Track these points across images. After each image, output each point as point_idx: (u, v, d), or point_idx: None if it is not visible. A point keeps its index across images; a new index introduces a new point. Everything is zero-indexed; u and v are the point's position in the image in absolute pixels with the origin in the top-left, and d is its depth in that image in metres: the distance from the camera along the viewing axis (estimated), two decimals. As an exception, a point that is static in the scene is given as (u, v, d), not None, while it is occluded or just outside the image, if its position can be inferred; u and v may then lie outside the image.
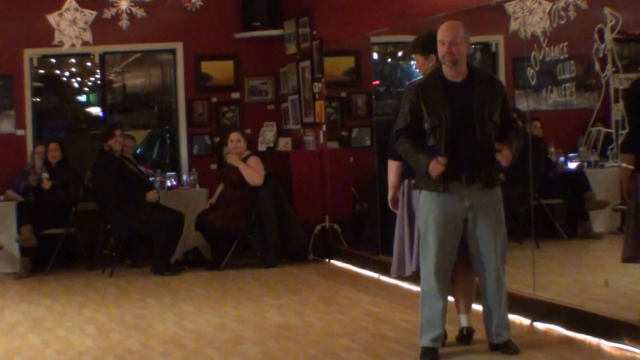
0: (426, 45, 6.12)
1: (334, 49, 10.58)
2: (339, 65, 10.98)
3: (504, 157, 5.73)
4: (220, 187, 10.34)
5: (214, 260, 10.14)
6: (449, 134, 5.70)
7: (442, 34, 5.77)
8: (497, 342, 5.92)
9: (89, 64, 13.64)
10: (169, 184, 11.03)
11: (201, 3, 9.57)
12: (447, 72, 5.80)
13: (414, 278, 6.54)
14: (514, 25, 7.38)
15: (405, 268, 6.30)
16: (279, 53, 11.64)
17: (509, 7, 7.33)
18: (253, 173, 10.07)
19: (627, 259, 6.33)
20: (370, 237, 9.88)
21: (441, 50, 5.75)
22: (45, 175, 10.35)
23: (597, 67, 6.91)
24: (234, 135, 10.33)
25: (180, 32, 11.61)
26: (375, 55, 11.08)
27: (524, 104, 8.06)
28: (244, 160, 10.19)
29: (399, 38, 9.73)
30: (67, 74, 14.80)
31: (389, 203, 6.25)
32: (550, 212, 8.95)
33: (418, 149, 5.75)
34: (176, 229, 10.04)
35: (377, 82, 11.11)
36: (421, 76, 6.15)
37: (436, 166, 5.68)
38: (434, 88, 5.78)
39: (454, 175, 5.74)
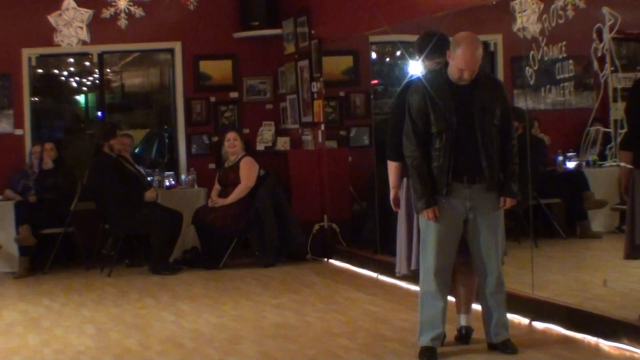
0: (434, 52, 6.09)
1: (333, 48, 10.58)
2: (337, 65, 10.98)
3: (509, 205, 5.82)
4: (216, 188, 10.33)
5: (208, 258, 10.13)
6: (455, 138, 5.69)
7: (464, 63, 5.65)
8: (496, 342, 5.92)
9: (87, 63, 13.65)
10: (167, 183, 11.02)
11: (195, 3, 9.58)
12: (455, 77, 5.76)
13: (413, 277, 6.54)
14: (518, 24, 7.36)
15: (402, 266, 6.27)
16: (278, 52, 11.64)
17: (516, 6, 7.31)
18: (242, 188, 10.05)
19: (628, 255, 6.34)
20: (369, 236, 9.87)
21: (459, 74, 5.70)
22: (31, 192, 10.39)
23: (596, 66, 6.93)
24: (231, 135, 10.33)
25: (179, 32, 11.60)
26: (373, 55, 11.07)
27: (522, 103, 8.06)
28: (238, 161, 10.19)
29: (397, 37, 9.73)
30: (65, 73, 14.80)
31: (391, 203, 6.24)
32: (549, 212, 8.95)
33: (425, 179, 5.74)
34: (175, 228, 10.04)
35: (375, 81, 11.11)
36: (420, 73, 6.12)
37: (429, 215, 5.73)
38: (441, 91, 5.74)
39: (456, 176, 5.74)
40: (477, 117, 5.71)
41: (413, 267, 6.11)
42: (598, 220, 8.67)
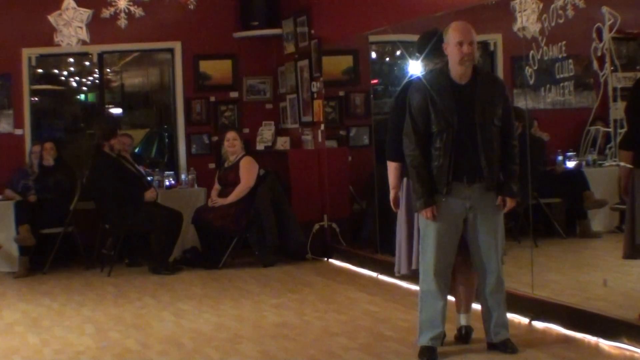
0: (433, 53, 6.09)
1: (332, 48, 10.58)
2: (337, 65, 10.98)
3: (509, 206, 5.82)
4: (215, 187, 10.33)
5: (207, 258, 10.13)
6: (455, 138, 5.69)
7: (460, 34, 5.70)
8: (496, 341, 5.92)
9: (87, 63, 13.65)
10: (167, 183, 11.02)
11: (194, 3, 9.58)
12: (456, 73, 5.75)
13: (413, 277, 6.54)
14: (518, 23, 7.36)
15: (402, 266, 6.27)
16: (277, 52, 11.65)
17: (517, 5, 7.31)
18: (241, 188, 10.06)
19: (628, 255, 6.33)
20: (369, 236, 9.87)
21: (460, 51, 5.69)
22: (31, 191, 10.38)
23: (596, 65, 6.92)
24: (231, 135, 10.34)
25: (179, 32, 11.60)
26: (373, 54, 11.07)
27: (522, 103, 8.06)
28: (238, 160, 10.20)
29: (397, 37, 9.73)
30: (65, 73, 14.80)
31: (391, 204, 6.23)
32: (548, 211, 8.95)
33: (425, 178, 5.73)
34: (174, 228, 10.04)
35: (375, 81, 11.10)
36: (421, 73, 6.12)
37: (428, 214, 5.73)
38: (442, 90, 5.74)
39: (456, 176, 5.73)
40: (477, 117, 5.71)
41: (414, 266, 6.10)
42: (598, 220, 8.67)
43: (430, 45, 6.07)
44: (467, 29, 5.75)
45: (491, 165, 5.74)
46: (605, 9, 6.86)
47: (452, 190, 5.75)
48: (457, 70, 5.76)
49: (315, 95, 10.75)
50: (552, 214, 9.01)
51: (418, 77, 6.00)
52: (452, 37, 5.74)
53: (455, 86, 5.77)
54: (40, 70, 12.94)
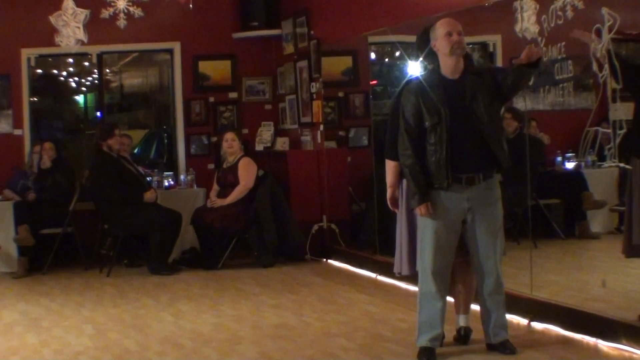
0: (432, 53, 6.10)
1: (332, 48, 10.58)
2: (336, 65, 10.98)
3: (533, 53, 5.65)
4: (214, 188, 10.33)
5: (207, 258, 10.13)
6: (449, 132, 5.69)
7: (447, 26, 5.76)
8: (495, 342, 5.92)
9: (86, 63, 13.66)
10: (166, 183, 11.02)
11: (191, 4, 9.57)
12: (447, 67, 5.77)
13: (412, 278, 6.54)
14: (520, 24, 7.35)
15: (403, 266, 6.26)
16: (277, 53, 11.65)
17: (519, 6, 7.31)
18: (241, 189, 10.06)
19: (627, 254, 6.34)
20: (368, 237, 9.87)
21: (449, 41, 5.72)
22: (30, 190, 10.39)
23: (595, 67, 6.91)
24: (229, 135, 10.34)
25: (178, 32, 11.60)
26: (372, 55, 11.07)
27: (521, 104, 8.06)
28: (237, 161, 10.20)
29: (396, 38, 9.72)
30: (64, 73, 14.82)
31: (389, 202, 6.23)
32: (547, 212, 8.95)
33: (418, 176, 5.73)
34: (174, 228, 10.04)
35: (374, 82, 11.10)
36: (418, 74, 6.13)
37: (424, 210, 5.72)
38: (433, 86, 5.77)
39: (454, 177, 5.73)
40: (469, 109, 5.70)
41: (417, 267, 6.08)
42: (597, 221, 8.67)
43: (428, 47, 6.08)
44: (453, 21, 5.83)
45: (501, 146, 5.72)
46: (604, 10, 6.85)
47: (451, 190, 5.75)
48: (449, 64, 5.77)
49: (314, 96, 10.75)
50: (551, 215, 9.01)
51: (416, 78, 6.01)
52: (439, 30, 5.78)
53: (447, 81, 5.78)
54: (39, 71, 12.95)
